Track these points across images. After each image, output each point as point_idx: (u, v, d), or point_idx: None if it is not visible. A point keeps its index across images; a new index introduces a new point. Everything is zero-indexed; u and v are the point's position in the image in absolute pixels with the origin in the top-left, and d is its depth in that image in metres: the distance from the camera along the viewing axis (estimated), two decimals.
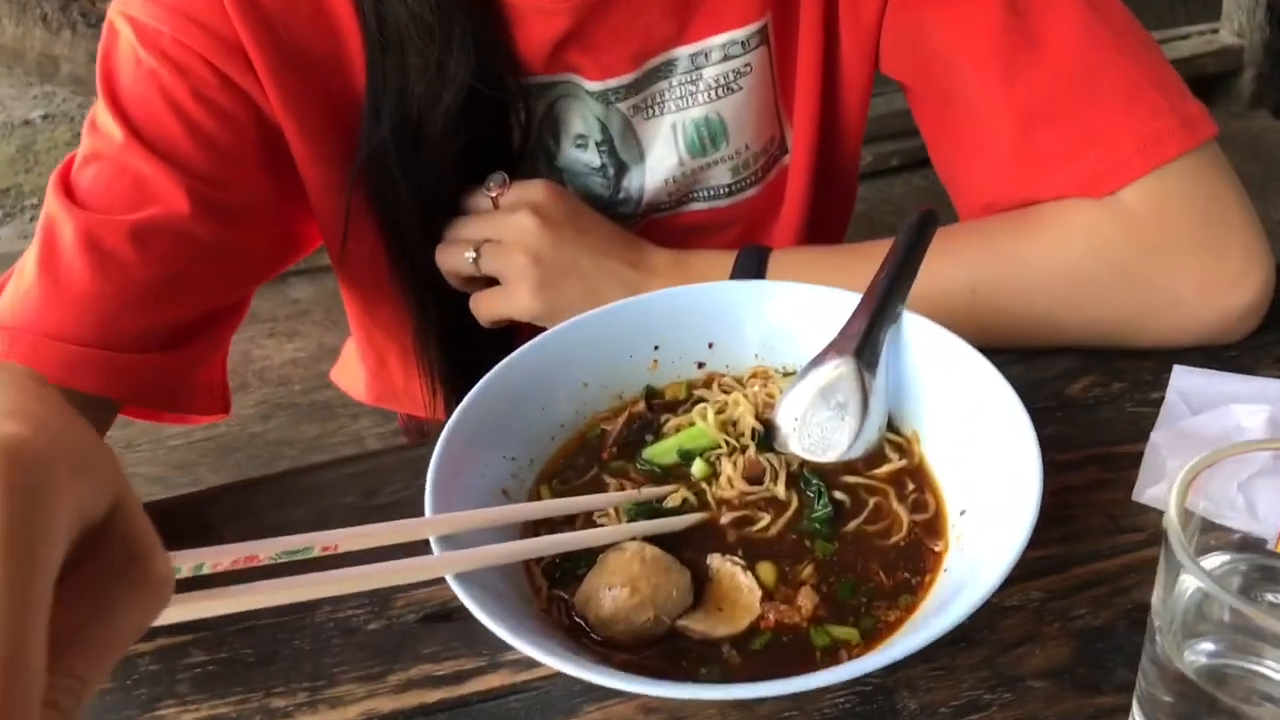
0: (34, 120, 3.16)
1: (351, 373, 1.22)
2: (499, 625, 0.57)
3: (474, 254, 0.90)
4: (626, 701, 0.66)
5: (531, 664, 0.69)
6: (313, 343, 2.13)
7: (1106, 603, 0.68)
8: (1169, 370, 0.82)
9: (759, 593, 0.64)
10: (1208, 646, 0.55)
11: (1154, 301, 0.81)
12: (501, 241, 0.89)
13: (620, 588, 0.63)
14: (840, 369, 0.72)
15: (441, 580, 0.71)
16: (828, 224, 1.04)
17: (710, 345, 0.79)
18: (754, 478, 0.71)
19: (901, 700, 0.65)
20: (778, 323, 0.77)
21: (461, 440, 0.69)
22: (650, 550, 0.65)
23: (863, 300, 0.73)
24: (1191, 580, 0.52)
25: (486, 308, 0.92)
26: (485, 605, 0.58)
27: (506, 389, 0.73)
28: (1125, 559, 0.70)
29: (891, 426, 0.73)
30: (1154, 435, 0.76)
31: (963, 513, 0.67)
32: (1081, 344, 0.84)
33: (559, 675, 0.68)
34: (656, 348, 0.78)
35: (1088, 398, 0.82)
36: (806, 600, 0.64)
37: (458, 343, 0.99)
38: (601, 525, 0.69)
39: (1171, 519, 0.50)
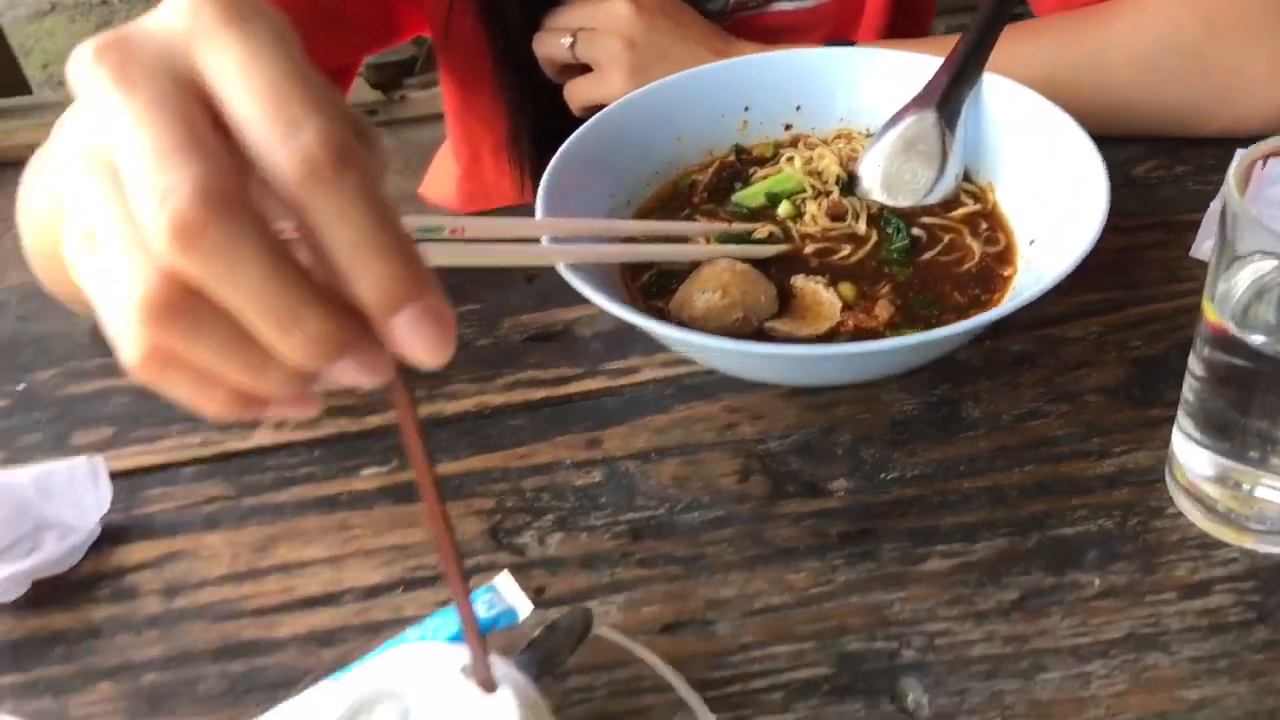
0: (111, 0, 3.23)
1: (442, 179, 1.28)
2: (598, 294, 0.63)
3: (570, 40, 0.95)
4: (711, 401, 0.72)
5: (628, 370, 0.76)
6: (392, 188, 2.19)
7: (1161, 336, 0.73)
8: (1233, 156, 0.86)
9: (839, 304, 0.70)
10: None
11: (1225, 85, 0.85)
12: (597, 28, 0.94)
13: (713, 291, 0.69)
14: (922, 121, 0.77)
15: (545, 305, 0.78)
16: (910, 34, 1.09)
17: (798, 108, 0.84)
18: (837, 215, 0.76)
19: (966, 410, 0.71)
20: (862, 86, 0.82)
21: (570, 167, 0.75)
22: (740, 264, 0.71)
23: (944, 62, 0.78)
24: (1245, 276, 0.58)
25: (580, 93, 0.97)
26: (589, 284, 0.64)
27: (608, 132, 0.79)
28: (1180, 302, 0.75)
29: (968, 178, 0.78)
30: (1213, 204, 0.81)
31: (1032, 242, 0.72)
32: (1151, 131, 0.89)
33: (652, 381, 0.74)
34: (746, 109, 0.83)
35: (1151, 178, 0.87)
36: (883, 310, 0.70)
37: (550, 135, 1.04)
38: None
39: (1230, 189, 0.55)
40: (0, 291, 0.88)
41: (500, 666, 0.46)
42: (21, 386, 0.80)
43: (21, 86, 2.89)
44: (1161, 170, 0.87)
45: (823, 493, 0.67)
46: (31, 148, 0.74)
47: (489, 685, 0.45)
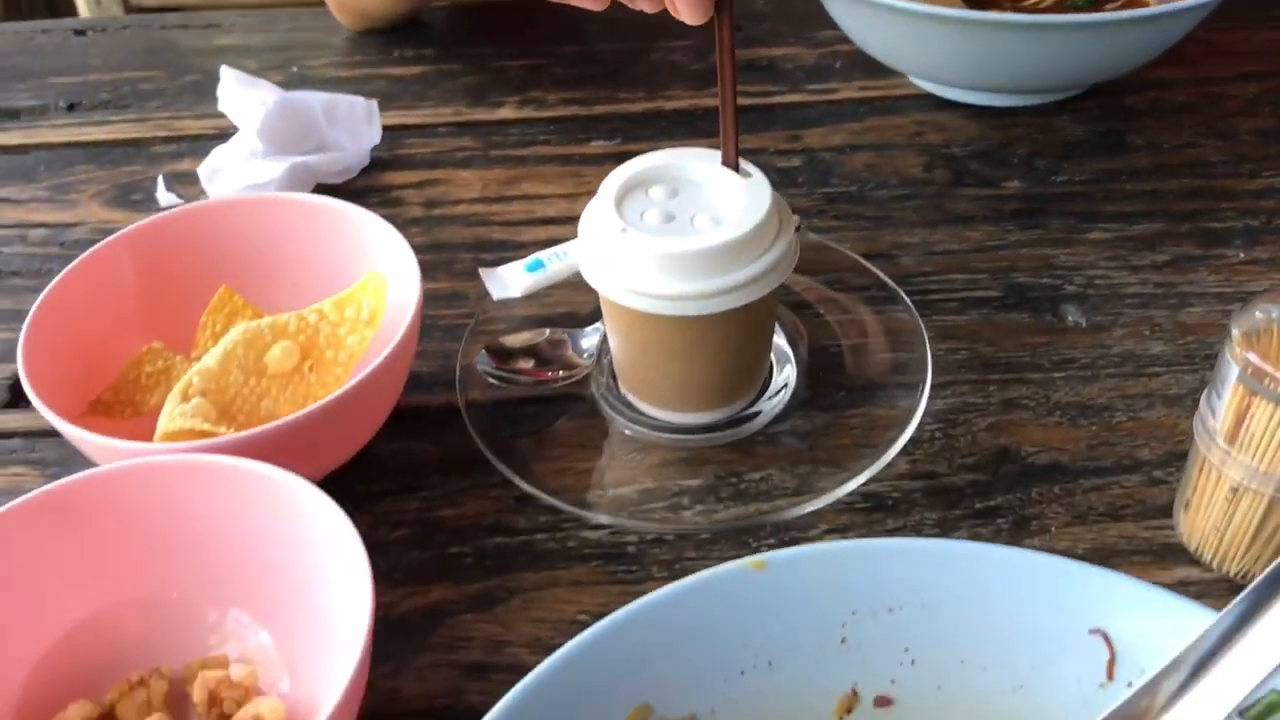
0: None
1: None
2: None
3: None
4: (902, 115, 0.82)
5: (827, 90, 0.85)
6: None
7: None
8: None
9: None
10: None
11: None
12: None
13: None
14: None
15: (749, 44, 0.87)
16: None
17: None
18: None
19: (1131, 138, 0.79)
20: None
21: None
22: None
23: None
24: None
25: None
26: None
27: None
28: None
29: None
30: None
31: None
32: None
33: (849, 99, 0.84)
34: None
35: None
36: None
37: None
38: None
39: None
40: (274, 11, 1.02)
41: (746, 164, 0.56)
42: (294, 69, 0.92)
43: None
44: None
45: (999, 186, 0.76)
46: None
47: (743, 171, 0.55)
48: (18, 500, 0.46)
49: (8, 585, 0.46)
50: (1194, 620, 0.39)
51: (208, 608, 0.49)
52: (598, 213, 0.55)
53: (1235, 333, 0.48)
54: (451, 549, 0.56)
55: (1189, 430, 0.52)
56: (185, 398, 0.55)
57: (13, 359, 0.54)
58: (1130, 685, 0.38)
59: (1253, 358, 0.47)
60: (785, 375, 0.61)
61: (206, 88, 0.84)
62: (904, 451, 0.57)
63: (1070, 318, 0.66)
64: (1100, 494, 0.56)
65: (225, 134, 0.80)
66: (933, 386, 0.60)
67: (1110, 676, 0.40)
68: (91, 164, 0.82)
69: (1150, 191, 0.75)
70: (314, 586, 0.46)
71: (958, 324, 0.66)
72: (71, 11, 1.76)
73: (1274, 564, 0.39)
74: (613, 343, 0.58)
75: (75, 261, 0.59)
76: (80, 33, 1.00)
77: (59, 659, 0.47)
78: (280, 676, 0.48)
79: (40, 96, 0.90)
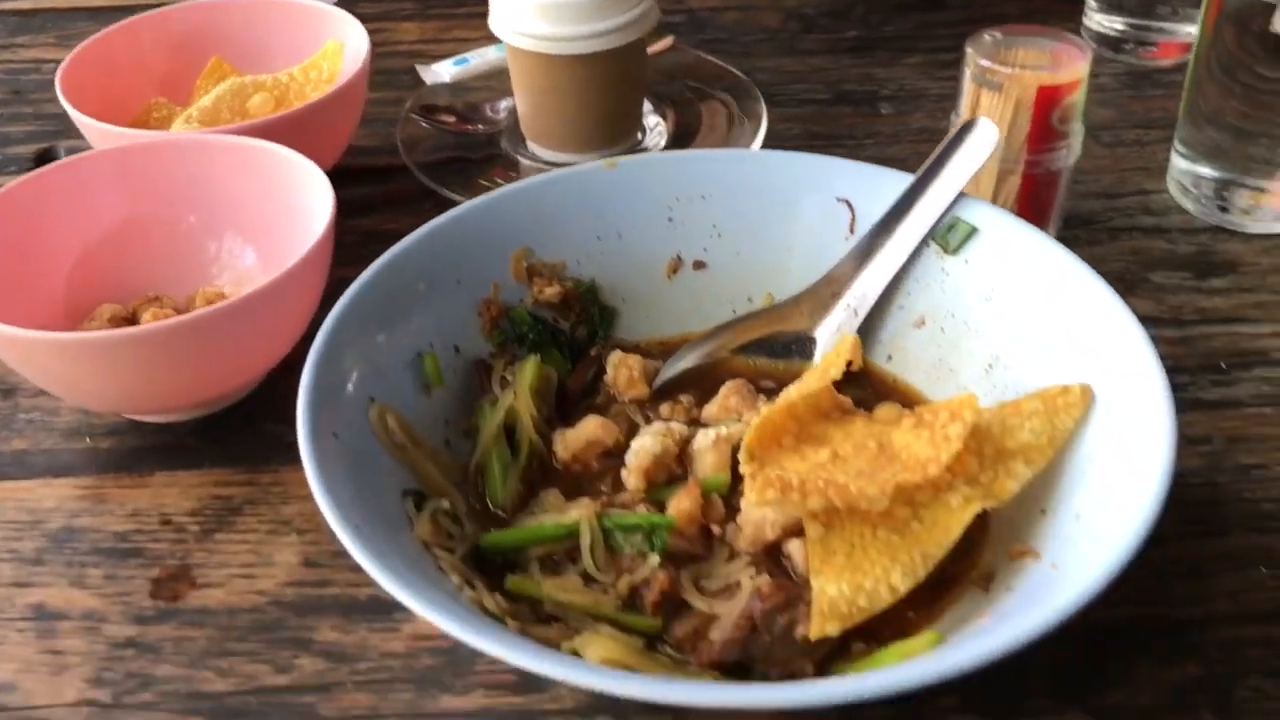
0: None
1: None
2: None
3: None
4: None
5: None
6: None
7: None
8: None
9: None
10: None
11: None
12: None
13: None
14: None
15: None
16: None
17: None
18: None
19: None
20: None
21: None
22: None
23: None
24: None
25: None
26: None
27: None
28: None
29: None
30: None
31: None
32: None
33: None
34: None
35: None
36: None
37: None
38: None
39: None
40: None
41: None
42: None
43: None
44: None
45: (840, 33, 0.95)
46: None
47: None
48: (87, 152, 0.64)
49: (58, 190, 0.62)
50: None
51: (210, 240, 0.65)
52: None
53: (969, 50, 0.66)
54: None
55: None
56: (187, 121, 0.72)
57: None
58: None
59: (981, 60, 0.65)
60: (655, 122, 0.79)
61: None
62: None
63: (884, 110, 0.84)
64: None
65: None
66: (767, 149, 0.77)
67: (852, 230, 0.58)
68: None
69: (959, 35, 0.93)
70: (290, 220, 0.63)
71: (795, 113, 0.84)
72: None
73: (944, 140, 0.57)
74: (518, 96, 0.76)
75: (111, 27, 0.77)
76: None
77: (96, 261, 0.63)
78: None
79: None
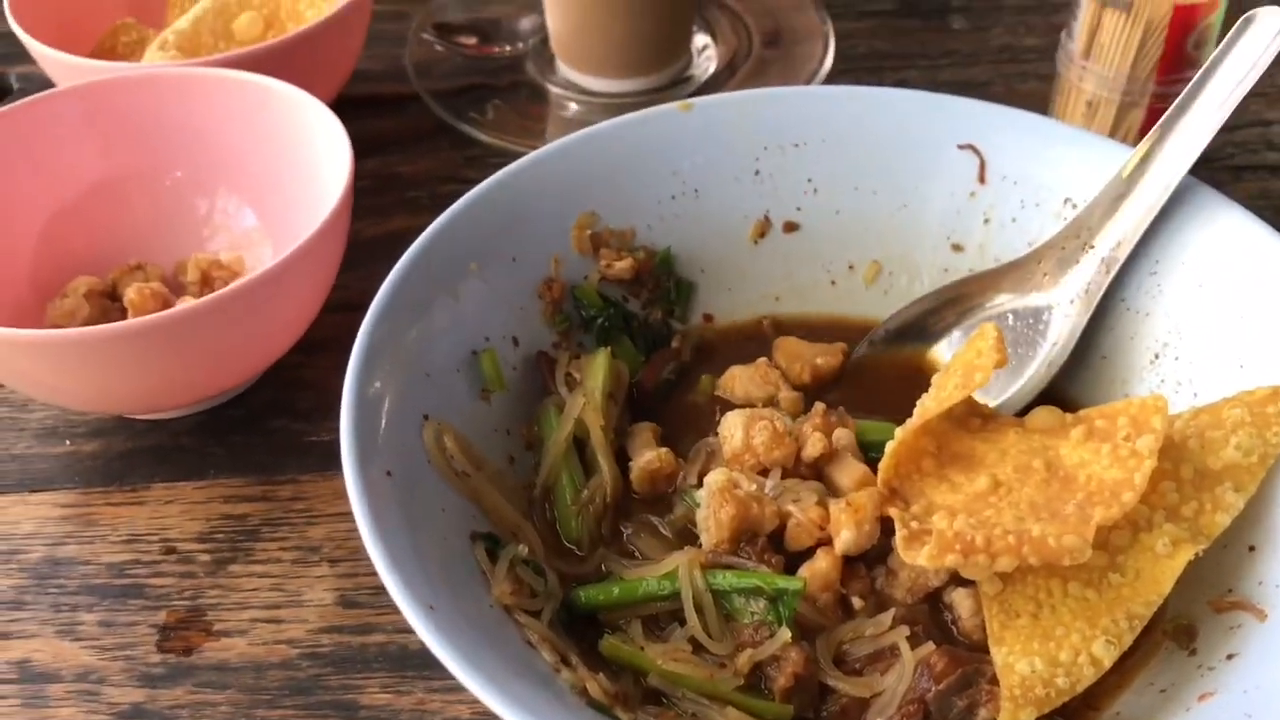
0: None
1: None
2: None
3: None
4: None
5: None
6: None
7: None
8: None
9: None
10: None
11: None
12: None
13: None
14: None
15: None
16: None
17: None
18: None
19: None
20: None
21: None
22: None
23: None
24: None
25: None
26: None
27: None
28: None
29: None
30: None
31: None
32: None
33: None
34: None
35: None
36: None
37: None
38: None
39: None
40: None
41: None
42: None
43: None
44: None
45: None
46: None
47: None
48: (49, 91, 0.53)
49: (16, 140, 0.52)
50: (1047, 129, 0.47)
51: (200, 197, 0.55)
52: None
53: None
54: (409, 193, 0.62)
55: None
56: (163, 48, 0.61)
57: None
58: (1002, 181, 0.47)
59: None
60: (704, 42, 0.68)
61: None
62: None
63: (956, 24, 0.74)
64: None
65: None
66: (835, 73, 0.67)
67: (982, 180, 0.48)
68: None
69: None
70: (298, 171, 0.52)
71: (857, 28, 0.73)
72: None
73: (1172, 106, 0.47)
74: (551, 11, 0.65)
75: None
76: None
77: (66, 227, 0.53)
78: (265, 252, 0.54)
79: None
